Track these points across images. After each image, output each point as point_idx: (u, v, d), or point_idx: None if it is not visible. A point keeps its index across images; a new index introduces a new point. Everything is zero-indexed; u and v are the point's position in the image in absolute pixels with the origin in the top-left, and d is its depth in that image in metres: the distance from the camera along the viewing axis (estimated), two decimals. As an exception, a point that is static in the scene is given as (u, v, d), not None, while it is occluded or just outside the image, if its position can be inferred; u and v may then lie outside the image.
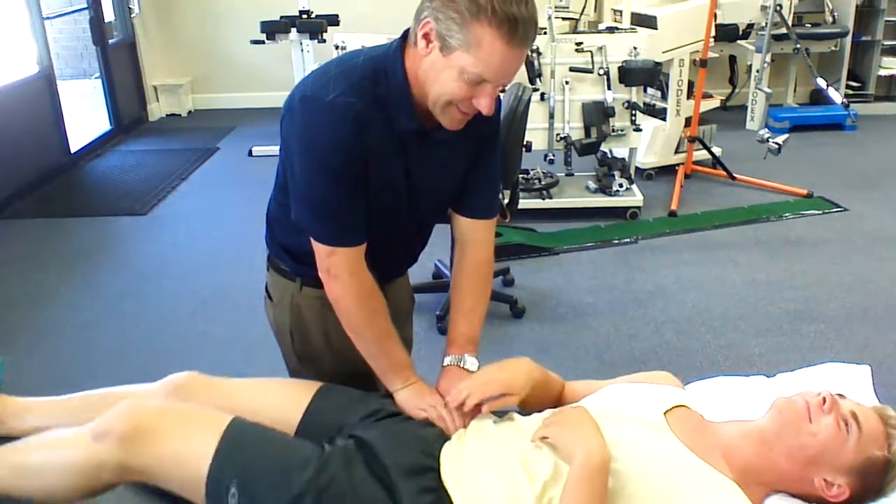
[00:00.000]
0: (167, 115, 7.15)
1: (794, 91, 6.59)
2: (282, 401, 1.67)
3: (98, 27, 6.23)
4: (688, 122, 5.01)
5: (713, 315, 3.43)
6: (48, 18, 5.54)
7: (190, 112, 7.22)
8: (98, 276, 4.02)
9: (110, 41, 6.40)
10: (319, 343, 1.75)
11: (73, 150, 5.74)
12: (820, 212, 4.52)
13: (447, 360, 1.72)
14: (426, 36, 1.37)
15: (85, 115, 6.55)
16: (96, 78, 6.74)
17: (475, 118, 1.48)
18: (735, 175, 4.97)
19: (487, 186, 1.74)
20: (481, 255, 1.77)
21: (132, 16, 6.71)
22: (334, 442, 1.52)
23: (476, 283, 1.76)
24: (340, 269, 1.54)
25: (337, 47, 4.53)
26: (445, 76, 1.37)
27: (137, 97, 6.87)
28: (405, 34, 1.47)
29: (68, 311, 3.64)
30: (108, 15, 6.46)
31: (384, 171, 1.51)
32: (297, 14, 5.80)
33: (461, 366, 1.70)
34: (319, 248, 1.55)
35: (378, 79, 1.45)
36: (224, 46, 7.03)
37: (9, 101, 5.03)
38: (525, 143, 3.49)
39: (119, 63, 6.52)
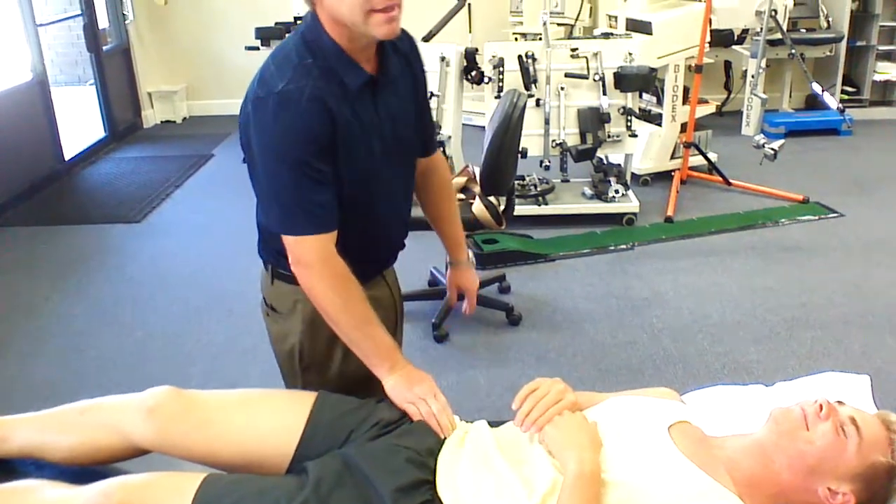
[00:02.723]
0: (162, 122, 7.13)
1: (790, 96, 6.60)
2: (272, 427, 1.57)
3: (92, 34, 6.20)
4: (683, 127, 5.01)
5: (710, 322, 3.42)
6: (42, 25, 5.51)
7: (185, 118, 7.20)
8: (91, 284, 3.99)
9: (104, 48, 6.38)
10: (328, 346, 1.70)
11: (66, 157, 5.71)
12: (816, 217, 4.52)
13: (454, 258, 2.03)
14: None
15: (79, 122, 6.52)
16: (91, 84, 6.71)
17: (403, 55, 1.62)
18: (731, 181, 4.96)
19: (430, 122, 1.88)
20: (444, 176, 1.95)
21: (126, 22, 6.69)
22: (323, 465, 1.46)
23: (448, 197, 1.98)
24: (312, 256, 1.53)
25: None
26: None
27: (132, 104, 6.85)
28: (307, 15, 1.51)
29: (61, 319, 3.62)
30: (103, 21, 6.44)
31: (356, 136, 1.52)
32: (293, 20, 5.79)
33: (468, 259, 2.04)
34: (289, 240, 1.54)
35: (314, 51, 1.48)
36: (219, 53, 7.01)
37: (2, 108, 5.00)
38: (521, 149, 3.47)
39: (113, 70, 6.50)
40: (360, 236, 1.62)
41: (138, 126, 6.91)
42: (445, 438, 1.55)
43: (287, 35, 1.60)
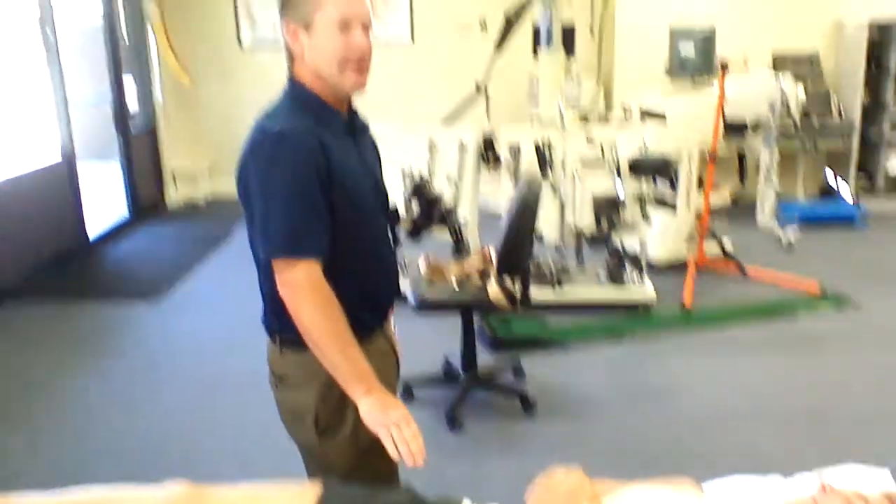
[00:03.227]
0: (185, 202, 7.27)
1: (804, 187, 6.65)
2: None
3: (122, 116, 6.41)
4: (698, 216, 5.04)
5: (728, 413, 3.36)
6: (74, 107, 5.70)
7: (207, 198, 7.34)
8: (106, 361, 4.00)
9: (132, 129, 6.57)
10: (342, 407, 1.70)
11: (90, 234, 5.82)
12: (833, 308, 4.49)
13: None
14: (293, 34, 1.62)
15: (104, 199, 6.65)
16: (114, 161, 6.88)
17: (365, 126, 1.81)
18: (747, 270, 4.96)
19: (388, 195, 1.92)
20: None
21: (155, 104, 6.90)
22: None
23: None
24: (303, 279, 1.59)
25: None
26: (324, 42, 1.59)
27: (156, 183, 7.00)
28: (288, 80, 1.70)
29: (75, 395, 3.62)
30: (132, 103, 6.65)
31: (349, 174, 1.66)
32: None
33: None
34: (280, 265, 1.61)
35: (300, 103, 1.67)
36: (242, 134, 7.01)
37: (31, 186, 5.15)
38: (536, 232, 3.51)
39: (140, 150, 6.68)
40: (360, 282, 1.72)
41: (161, 205, 7.05)
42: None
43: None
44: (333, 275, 1.63)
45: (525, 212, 3.19)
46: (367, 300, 1.75)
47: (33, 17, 5.30)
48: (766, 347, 4.02)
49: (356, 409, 1.65)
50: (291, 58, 1.67)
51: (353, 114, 1.75)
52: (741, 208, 6.28)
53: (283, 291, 1.62)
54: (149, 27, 6.76)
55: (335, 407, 1.72)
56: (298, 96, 1.67)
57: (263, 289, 1.76)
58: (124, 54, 6.56)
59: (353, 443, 1.72)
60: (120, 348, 4.18)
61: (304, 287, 1.60)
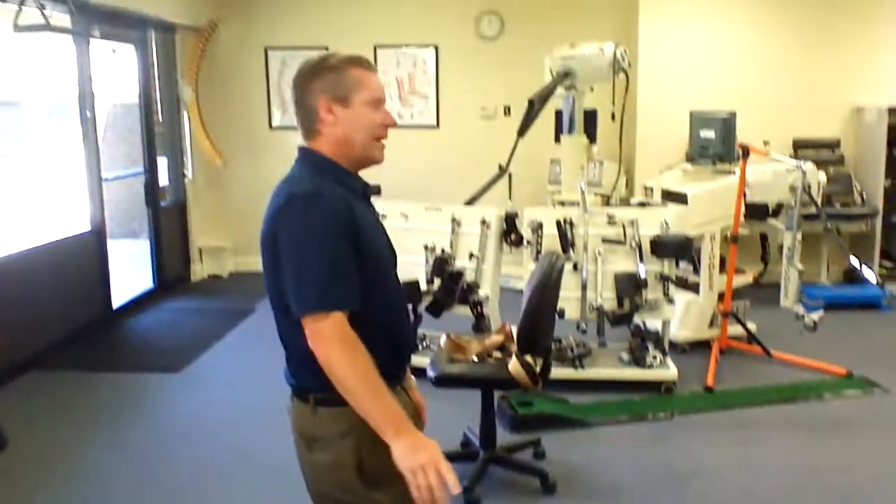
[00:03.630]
0: (209, 276, 7.37)
1: (828, 270, 6.61)
2: None
3: (152, 190, 6.58)
4: (721, 296, 5.02)
5: (754, 497, 3.28)
6: (106, 180, 5.88)
7: (231, 274, 7.43)
8: (124, 433, 4.00)
9: (162, 203, 6.73)
10: (387, 452, 1.66)
11: (114, 305, 5.89)
12: (861, 392, 4.38)
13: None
14: (328, 109, 1.75)
15: (129, 273, 6.75)
16: (143, 238, 7.03)
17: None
18: (771, 352, 4.89)
19: None
20: None
21: (185, 180, 7.08)
22: None
23: None
24: (335, 331, 1.63)
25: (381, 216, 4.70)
26: (362, 117, 1.77)
27: (182, 258, 7.11)
28: (301, 149, 1.81)
29: (90, 466, 3.60)
30: (164, 179, 6.84)
31: (372, 232, 1.78)
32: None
33: None
34: (311, 319, 1.64)
35: (320, 169, 1.77)
36: (268, 212, 7.30)
37: (60, 255, 5.26)
38: (558, 309, 3.51)
39: (168, 224, 6.82)
40: (385, 332, 1.79)
41: (186, 279, 7.14)
42: None
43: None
44: (360, 326, 1.66)
45: (546, 288, 3.20)
46: (390, 350, 1.81)
47: (73, 94, 5.53)
48: (792, 430, 3.94)
49: None
50: (311, 129, 1.79)
51: (362, 180, 1.88)
52: (764, 290, 6.22)
53: (314, 344, 1.65)
54: (183, 108, 7.00)
55: (379, 454, 1.67)
56: (318, 163, 1.78)
57: (296, 349, 1.76)
58: (159, 132, 6.76)
59: (404, 488, 1.66)
60: (138, 420, 4.17)
61: (335, 337, 1.64)
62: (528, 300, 3.24)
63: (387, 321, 1.81)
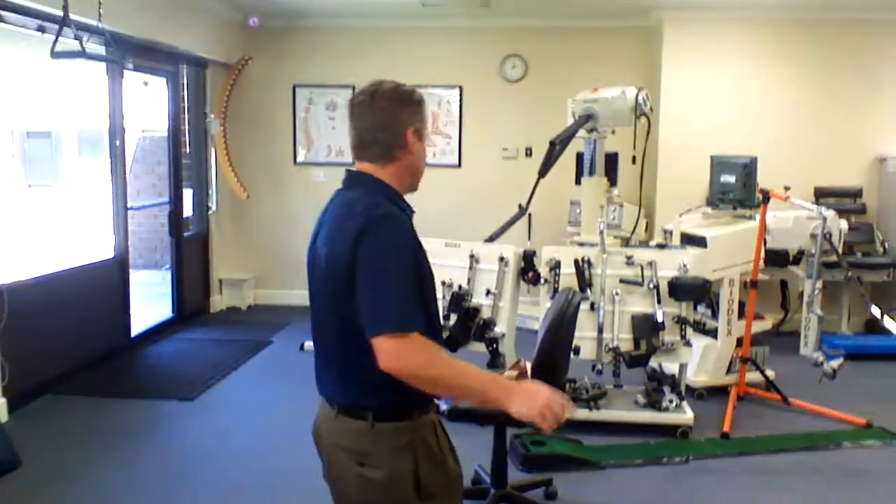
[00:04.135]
0: (228, 308, 7.42)
1: (849, 319, 6.53)
2: None
3: (176, 220, 6.68)
4: (739, 342, 4.97)
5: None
6: (132, 209, 5.98)
7: (250, 306, 7.48)
8: (137, 458, 4.00)
9: (185, 234, 6.82)
10: (444, 466, 1.83)
11: (133, 333, 5.94)
12: (880, 442, 4.31)
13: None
14: (412, 139, 1.90)
15: (149, 303, 6.82)
16: (167, 269, 7.12)
17: None
18: (790, 399, 4.82)
19: None
20: None
21: (209, 212, 7.18)
22: None
23: None
24: (421, 345, 1.70)
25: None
26: (424, 151, 1.96)
27: (202, 288, 7.18)
28: (362, 177, 1.91)
29: (102, 490, 3.60)
30: (188, 210, 6.94)
31: (424, 256, 1.87)
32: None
33: None
34: (392, 340, 1.69)
35: (384, 195, 1.87)
36: (288, 246, 7.38)
37: (82, 280, 5.35)
38: (573, 346, 3.50)
39: (190, 255, 6.90)
40: None
41: (205, 310, 7.19)
42: None
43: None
44: None
45: (562, 325, 3.19)
46: None
47: (104, 125, 5.66)
48: (810, 478, 3.87)
49: (451, 464, 1.87)
50: (389, 155, 1.89)
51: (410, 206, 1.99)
52: (784, 338, 6.15)
53: (391, 360, 1.68)
54: (211, 142, 7.13)
55: (435, 466, 1.81)
56: (383, 188, 1.88)
57: (354, 367, 1.81)
58: (185, 164, 6.89)
59: (457, 492, 1.86)
60: (151, 446, 4.18)
61: (424, 353, 1.71)
62: (544, 336, 3.23)
63: (433, 339, 1.82)
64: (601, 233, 4.43)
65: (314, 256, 1.91)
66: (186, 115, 6.87)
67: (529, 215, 5.98)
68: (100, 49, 5.11)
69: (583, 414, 4.40)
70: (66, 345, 5.09)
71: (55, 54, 4.27)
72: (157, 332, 6.33)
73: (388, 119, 1.86)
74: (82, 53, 4.30)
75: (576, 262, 4.37)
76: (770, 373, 5.02)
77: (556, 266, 4.45)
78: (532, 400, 1.74)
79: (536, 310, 5.04)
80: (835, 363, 4.29)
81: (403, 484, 1.78)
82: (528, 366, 3.32)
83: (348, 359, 1.82)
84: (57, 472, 3.79)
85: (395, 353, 1.68)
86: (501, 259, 4.49)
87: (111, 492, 3.60)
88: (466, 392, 1.79)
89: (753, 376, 5.01)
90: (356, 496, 1.83)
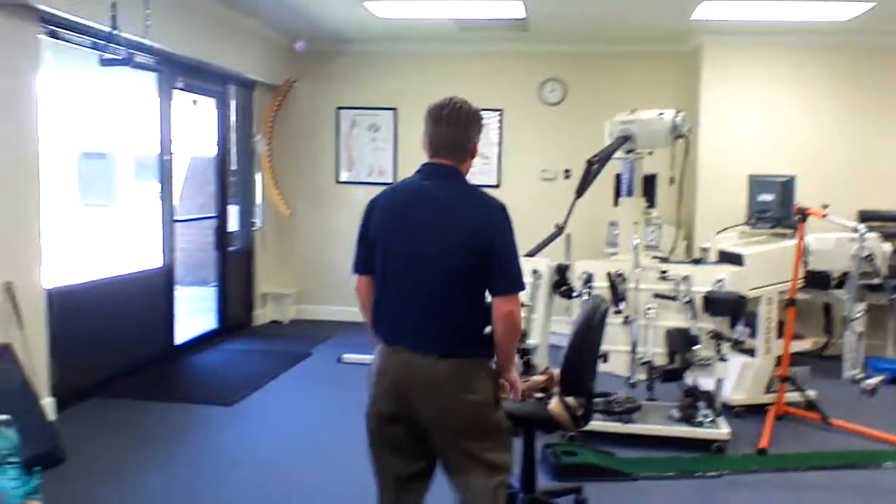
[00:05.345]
0: (271, 322, 7.57)
1: (894, 344, 6.38)
2: None
3: (222, 235, 6.87)
4: (779, 361, 4.90)
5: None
6: (178, 221, 6.17)
7: (292, 320, 7.62)
8: (175, 460, 4.11)
9: (230, 248, 7.01)
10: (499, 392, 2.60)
11: (177, 341, 6.10)
12: (924, 464, 4.21)
13: None
14: (475, 150, 2.58)
15: (194, 317, 6.99)
16: (212, 286, 7.31)
17: None
18: (830, 419, 4.73)
19: None
20: None
21: (253, 228, 7.37)
22: None
23: None
24: (519, 302, 2.48)
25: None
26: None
27: (246, 302, 7.34)
28: (451, 170, 2.53)
29: (139, 490, 3.70)
30: (233, 226, 7.13)
31: None
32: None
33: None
34: (512, 297, 2.44)
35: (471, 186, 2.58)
36: (331, 263, 7.53)
37: (130, 288, 5.54)
38: (602, 354, 3.51)
39: (234, 269, 7.08)
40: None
41: (248, 323, 7.35)
42: None
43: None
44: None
45: (588, 330, 3.22)
46: None
47: (155, 141, 5.89)
48: (850, 498, 3.79)
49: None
50: (464, 155, 2.54)
51: None
52: (827, 362, 6.04)
53: (511, 311, 2.43)
54: (256, 160, 7.34)
55: (499, 389, 2.58)
56: (483, 191, 2.56)
57: (463, 321, 2.46)
58: (231, 181, 7.10)
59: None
60: (189, 449, 4.29)
61: (519, 305, 2.48)
62: (571, 342, 3.26)
63: None
64: (635, 247, 4.45)
65: (418, 229, 2.45)
66: (234, 134, 7.09)
67: (568, 235, 6.00)
68: (151, 75, 5.32)
69: (616, 427, 4.38)
70: (113, 350, 5.26)
71: (103, 62, 4.49)
72: (201, 343, 6.49)
73: (467, 128, 2.51)
74: (129, 61, 4.51)
75: (609, 275, 4.39)
76: (811, 393, 4.94)
77: (588, 280, 4.47)
78: (516, 375, 2.63)
79: (570, 322, 5.06)
80: (874, 380, 4.22)
81: (491, 402, 2.51)
82: (557, 373, 3.35)
83: (458, 316, 2.44)
84: (99, 468, 3.90)
85: (513, 305, 2.42)
86: (535, 272, 4.53)
87: (150, 490, 3.70)
88: (511, 351, 2.54)
89: (793, 396, 4.93)
90: (460, 416, 2.45)
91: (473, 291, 2.45)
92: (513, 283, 2.44)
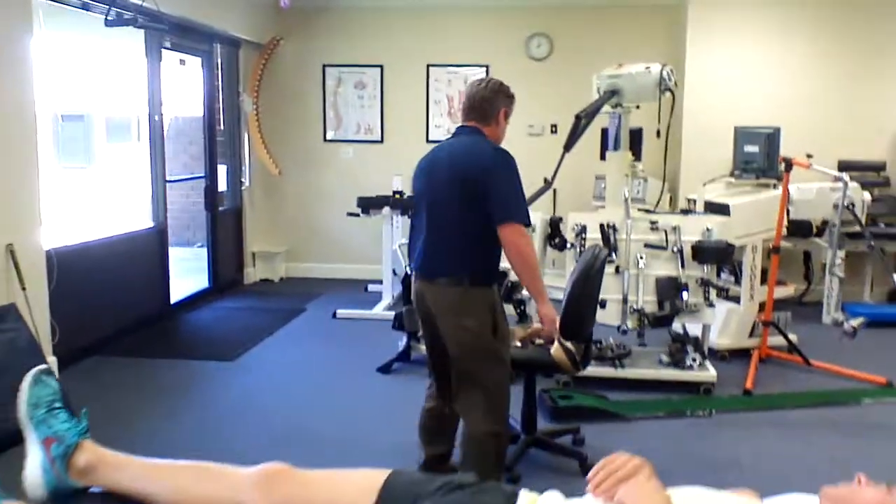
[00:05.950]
0: (261, 280, 7.64)
1: (871, 290, 6.61)
2: (357, 484, 1.74)
3: (211, 195, 6.89)
4: (762, 307, 5.08)
5: (791, 489, 3.32)
6: (170, 182, 6.19)
7: (282, 278, 7.70)
8: (181, 411, 4.22)
9: (220, 209, 7.04)
10: (502, 319, 3.01)
11: (172, 300, 6.17)
12: (901, 400, 4.42)
13: None
14: (502, 117, 3.07)
15: (184, 276, 7.04)
16: (199, 247, 7.33)
17: None
18: (811, 361, 4.94)
19: None
20: None
21: (242, 188, 7.40)
22: None
23: None
24: (527, 234, 2.84)
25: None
26: (504, 127, 3.09)
27: (236, 261, 7.40)
28: (473, 129, 3.02)
29: (143, 439, 3.77)
30: (222, 185, 7.15)
31: None
32: (392, 194, 6.39)
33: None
34: (516, 228, 2.80)
35: (486, 141, 3.00)
36: (320, 220, 7.61)
37: (124, 248, 5.57)
38: (600, 300, 3.64)
39: (224, 229, 7.12)
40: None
41: (239, 282, 7.42)
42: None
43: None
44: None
45: (588, 277, 3.33)
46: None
47: (143, 102, 5.88)
48: (830, 431, 3.99)
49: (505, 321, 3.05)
50: (488, 119, 3.01)
51: None
52: (807, 308, 6.27)
53: (513, 239, 2.78)
54: (244, 120, 7.33)
55: (502, 320, 2.99)
56: (487, 139, 2.98)
57: (464, 247, 2.86)
58: (219, 141, 7.10)
59: (505, 337, 3.01)
60: (192, 401, 4.39)
61: (527, 238, 2.83)
62: (571, 289, 3.37)
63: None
64: (626, 199, 4.56)
65: (434, 178, 2.94)
66: (220, 93, 7.07)
67: (554, 190, 6.09)
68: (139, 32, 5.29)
69: (608, 372, 4.55)
70: (110, 309, 5.31)
71: (108, 22, 4.49)
72: (194, 301, 6.56)
73: (492, 98, 3.00)
74: (135, 21, 4.52)
75: (601, 226, 4.51)
76: (792, 337, 5.13)
77: (581, 231, 4.59)
78: (552, 311, 3.02)
79: (562, 281, 5.18)
80: (855, 322, 4.40)
81: (487, 328, 2.88)
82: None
83: (457, 242, 2.85)
84: (106, 420, 3.97)
85: (514, 233, 2.77)
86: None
87: (160, 435, 3.81)
88: (531, 280, 2.91)
89: (776, 340, 5.12)
90: (455, 339, 2.87)
91: (470, 222, 2.84)
92: (508, 211, 2.77)
